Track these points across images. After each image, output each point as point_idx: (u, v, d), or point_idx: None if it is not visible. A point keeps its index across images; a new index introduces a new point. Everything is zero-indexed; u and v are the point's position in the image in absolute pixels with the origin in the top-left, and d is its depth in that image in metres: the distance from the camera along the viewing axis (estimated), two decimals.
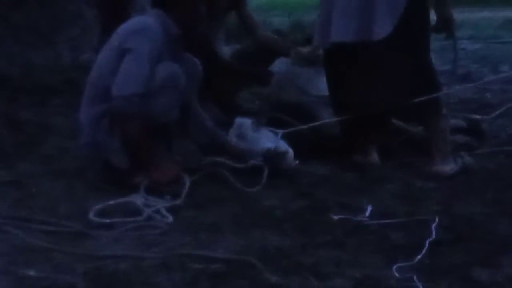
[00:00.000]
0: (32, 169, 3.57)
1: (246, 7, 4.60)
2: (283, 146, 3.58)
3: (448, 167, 3.53)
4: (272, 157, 3.47)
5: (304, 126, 3.77)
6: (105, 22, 4.61)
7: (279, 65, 4.48)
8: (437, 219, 2.84)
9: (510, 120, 4.52)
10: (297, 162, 3.60)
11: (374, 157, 3.67)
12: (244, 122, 3.62)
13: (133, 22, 3.44)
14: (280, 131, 3.65)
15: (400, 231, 2.79)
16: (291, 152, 3.58)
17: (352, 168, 3.59)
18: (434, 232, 2.72)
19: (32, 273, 2.42)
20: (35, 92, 4.86)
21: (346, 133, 3.76)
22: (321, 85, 4.09)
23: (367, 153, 3.67)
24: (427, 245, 2.60)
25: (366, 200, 3.13)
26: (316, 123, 3.79)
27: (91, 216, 2.93)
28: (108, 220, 2.90)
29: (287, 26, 9.07)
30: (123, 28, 3.39)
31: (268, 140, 3.57)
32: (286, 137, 3.66)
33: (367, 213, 2.97)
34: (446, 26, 3.52)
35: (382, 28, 3.42)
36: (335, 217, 2.93)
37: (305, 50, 4.53)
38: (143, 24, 3.33)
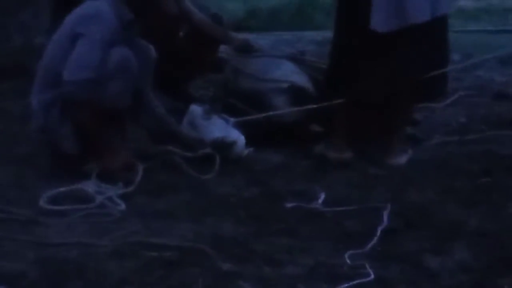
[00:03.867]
0: None
1: (183, 3, 4.48)
2: (234, 134, 3.57)
3: (404, 158, 3.56)
4: (220, 146, 3.46)
5: (258, 115, 3.76)
6: (57, 6, 4.53)
7: None
8: (389, 207, 2.86)
9: (462, 109, 4.57)
10: (250, 149, 3.59)
11: (349, 154, 3.57)
12: (196, 110, 3.60)
13: (86, 7, 3.38)
14: (232, 120, 3.64)
15: (352, 218, 2.82)
16: (241, 141, 3.57)
17: (321, 163, 3.51)
18: (386, 220, 2.74)
19: None
20: None
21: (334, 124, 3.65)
22: (275, 73, 4.09)
23: (342, 149, 3.57)
24: (379, 232, 2.63)
25: (320, 187, 3.14)
26: (271, 113, 3.79)
27: (42, 203, 2.89)
28: (59, 207, 2.87)
29: (242, 12, 9.07)
30: (75, 12, 3.34)
31: (218, 129, 3.56)
32: (240, 125, 3.65)
33: (320, 201, 2.99)
34: None
35: (446, 5, 3.45)
36: (289, 205, 2.93)
37: (240, 37, 4.54)
38: (96, 9, 3.29)
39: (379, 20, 3.39)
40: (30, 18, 5.58)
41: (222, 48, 4.66)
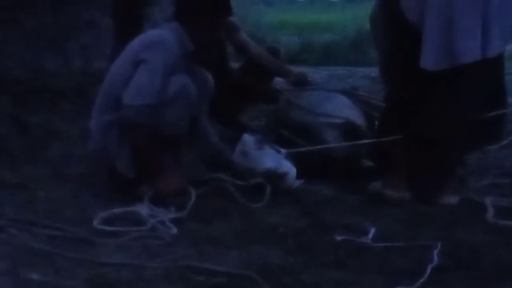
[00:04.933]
0: (39, 173, 3.59)
1: (237, 34, 4.54)
2: (285, 165, 3.60)
3: (456, 198, 3.54)
4: (271, 177, 3.49)
5: (310, 148, 3.79)
6: (118, 33, 4.64)
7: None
8: (439, 245, 2.84)
9: None
10: (301, 181, 3.61)
11: (407, 194, 3.53)
12: (248, 140, 3.64)
13: (150, 34, 3.48)
14: (284, 151, 3.67)
15: (402, 255, 2.80)
16: (292, 172, 3.60)
17: (381, 202, 3.48)
18: (436, 258, 2.72)
19: (34, 276, 2.43)
20: (44, 97, 4.88)
21: (386, 162, 3.62)
22: (328, 107, 4.11)
23: (400, 189, 3.53)
24: (428, 270, 2.61)
25: (369, 222, 3.13)
26: (322, 146, 3.81)
27: (96, 223, 2.94)
28: (112, 228, 2.92)
29: (297, 45, 9.12)
30: (139, 39, 3.43)
31: (270, 159, 3.59)
32: (291, 156, 3.68)
33: (370, 235, 2.98)
34: None
35: (497, 46, 3.42)
36: (338, 238, 2.93)
37: (297, 71, 4.58)
38: (159, 37, 3.37)
39: (429, 59, 3.39)
40: (91, 41, 5.73)
41: (277, 80, 4.72)
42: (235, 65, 4.88)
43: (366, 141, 3.79)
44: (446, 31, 3.38)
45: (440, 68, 3.40)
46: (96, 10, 5.80)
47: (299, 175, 3.62)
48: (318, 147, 3.82)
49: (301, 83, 4.41)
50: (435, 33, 3.39)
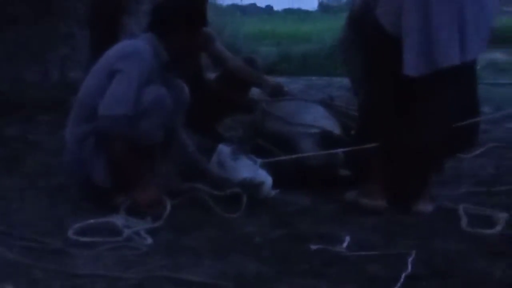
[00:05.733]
0: (15, 184, 3.58)
1: (213, 45, 4.55)
2: (261, 175, 3.61)
3: (431, 206, 3.57)
4: (248, 187, 3.50)
5: (286, 157, 3.81)
6: (95, 43, 4.64)
7: None
8: (413, 253, 2.86)
9: (491, 160, 4.57)
10: (277, 191, 3.63)
11: (383, 202, 3.53)
12: (224, 149, 3.65)
13: (125, 44, 3.48)
14: (259, 160, 3.68)
15: (377, 263, 2.81)
16: (268, 182, 3.60)
17: (356, 211, 3.48)
18: (410, 266, 2.74)
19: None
20: (22, 108, 4.87)
21: (362, 171, 3.63)
22: (305, 116, 4.13)
23: (376, 197, 3.54)
24: (402, 278, 2.62)
25: (345, 231, 3.15)
26: (299, 155, 3.83)
27: (71, 234, 2.94)
28: (87, 239, 2.91)
29: (275, 56, 9.16)
30: (114, 49, 3.43)
31: (246, 169, 3.60)
32: (267, 166, 3.69)
33: (345, 244, 2.99)
34: None
35: (474, 51, 3.45)
36: (313, 247, 2.95)
37: (273, 80, 4.60)
38: (134, 47, 3.37)
39: (411, 65, 3.42)
40: (68, 53, 5.73)
41: (253, 90, 4.73)
42: (211, 75, 4.89)
43: (342, 149, 3.82)
44: (425, 37, 3.41)
45: (421, 74, 3.43)
46: (74, 22, 5.81)
47: (275, 185, 3.63)
48: (294, 156, 3.84)
49: (277, 93, 4.43)
50: (414, 39, 3.42)
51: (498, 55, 10.31)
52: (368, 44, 3.67)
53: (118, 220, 3.08)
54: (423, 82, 3.45)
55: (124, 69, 3.28)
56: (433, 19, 3.40)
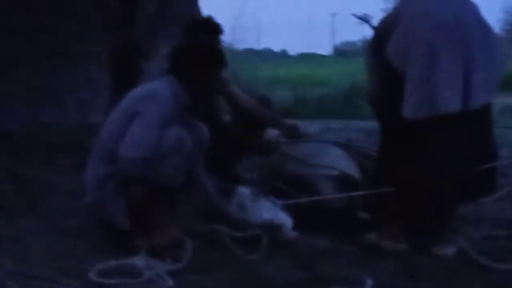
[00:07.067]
0: (35, 226, 3.58)
1: (228, 86, 4.57)
2: (282, 217, 3.61)
3: (451, 249, 3.55)
4: (268, 228, 3.49)
5: (305, 199, 3.81)
6: (115, 86, 4.69)
7: None
8: None
9: (510, 204, 4.55)
10: (297, 233, 3.62)
11: (404, 245, 3.53)
12: (244, 192, 3.65)
13: (145, 87, 3.51)
14: (279, 202, 3.68)
15: None
16: (289, 223, 3.60)
17: (374, 253, 3.48)
18: None
19: None
20: (40, 150, 4.90)
21: (381, 213, 3.63)
22: (323, 158, 4.14)
23: (397, 240, 3.54)
24: None
25: (366, 274, 3.13)
26: (319, 197, 3.83)
27: (92, 275, 2.93)
28: (108, 281, 2.90)
29: (291, 99, 9.20)
30: (135, 92, 3.46)
31: (267, 211, 3.60)
32: (287, 208, 3.69)
33: (367, 287, 2.97)
34: None
35: (480, 98, 3.44)
36: None
37: (289, 122, 4.61)
38: (154, 90, 3.40)
39: (409, 107, 3.43)
40: (88, 96, 5.78)
41: (270, 132, 4.74)
42: (227, 117, 4.91)
43: (361, 192, 3.81)
44: (427, 81, 3.41)
45: (419, 117, 3.42)
46: (94, 66, 5.87)
47: (295, 227, 3.63)
48: (314, 198, 3.84)
49: (293, 134, 4.44)
50: (416, 82, 3.43)
51: None
52: (381, 80, 3.67)
53: (139, 261, 3.07)
54: (431, 125, 3.45)
55: (143, 112, 3.30)
56: (439, 64, 3.40)
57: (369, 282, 3.02)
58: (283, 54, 21.60)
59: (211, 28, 4.41)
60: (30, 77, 5.56)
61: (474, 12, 3.55)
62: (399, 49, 3.48)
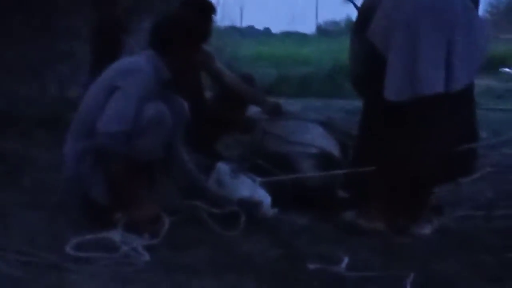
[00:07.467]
0: (13, 199, 3.56)
1: (213, 63, 4.55)
2: (261, 194, 3.61)
3: (429, 228, 3.56)
4: (246, 206, 3.49)
5: (285, 177, 3.81)
6: (95, 60, 4.65)
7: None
8: (412, 276, 2.85)
9: (489, 184, 4.58)
10: (275, 210, 3.62)
11: (381, 224, 3.53)
12: (223, 168, 3.64)
13: (125, 61, 3.48)
14: (258, 179, 3.68)
15: (375, 284, 2.80)
16: (267, 201, 3.60)
17: (351, 231, 3.48)
18: None
19: None
20: (19, 124, 4.86)
21: (360, 192, 3.63)
22: (304, 136, 4.13)
23: (375, 219, 3.54)
24: None
25: (343, 251, 3.14)
26: (298, 175, 3.83)
27: (68, 249, 2.92)
28: (84, 254, 2.89)
29: (273, 77, 9.19)
30: (114, 66, 3.43)
31: (245, 188, 3.59)
32: (266, 185, 3.68)
33: (344, 265, 2.98)
34: None
35: (461, 80, 3.43)
36: (312, 267, 2.93)
37: (271, 100, 4.61)
38: (134, 64, 3.37)
39: (391, 89, 3.42)
40: (67, 70, 5.74)
41: (252, 109, 4.74)
42: (209, 94, 4.90)
43: (341, 171, 3.82)
44: (409, 63, 3.40)
45: (401, 99, 3.42)
46: (74, 40, 5.82)
47: (273, 204, 3.63)
48: (293, 176, 3.84)
49: (275, 112, 4.44)
50: (399, 64, 3.42)
51: (495, 82, 10.36)
52: (363, 60, 3.66)
53: (115, 236, 3.06)
54: (413, 107, 3.44)
55: (123, 86, 3.28)
56: (420, 46, 3.39)
57: (346, 259, 3.03)
58: (266, 32, 21.53)
59: (205, 6, 4.41)
60: (12, 52, 5.50)
61: None
62: (381, 30, 3.46)
